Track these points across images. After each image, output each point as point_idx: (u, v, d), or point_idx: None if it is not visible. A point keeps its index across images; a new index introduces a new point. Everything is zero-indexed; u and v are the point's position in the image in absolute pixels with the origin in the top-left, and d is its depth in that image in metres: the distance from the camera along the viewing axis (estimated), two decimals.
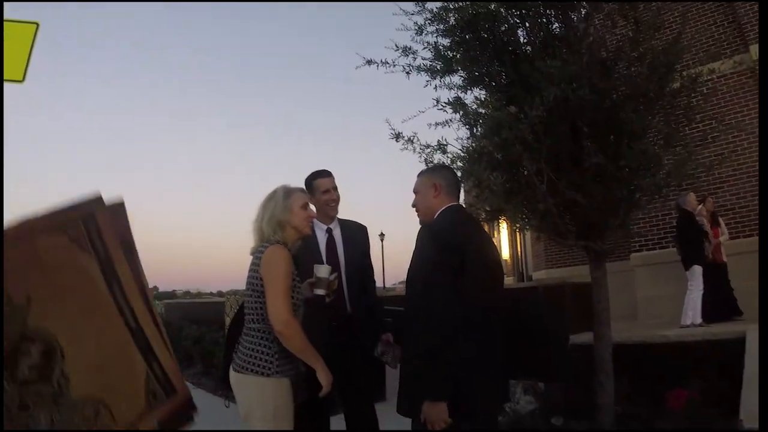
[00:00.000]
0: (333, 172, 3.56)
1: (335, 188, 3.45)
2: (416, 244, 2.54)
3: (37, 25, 3.76)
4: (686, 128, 4.24)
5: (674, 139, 3.92)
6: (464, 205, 2.91)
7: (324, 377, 2.54)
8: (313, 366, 2.54)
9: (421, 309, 2.37)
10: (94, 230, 0.52)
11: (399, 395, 2.62)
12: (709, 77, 4.71)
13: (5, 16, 3.81)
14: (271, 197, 2.81)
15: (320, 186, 3.42)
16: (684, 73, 4.07)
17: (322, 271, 2.93)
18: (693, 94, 4.14)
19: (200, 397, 7.25)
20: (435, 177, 2.72)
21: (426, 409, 2.28)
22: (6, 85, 3.73)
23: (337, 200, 3.46)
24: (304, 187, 3.50)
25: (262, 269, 2.59)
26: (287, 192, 2.82)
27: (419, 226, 2.64)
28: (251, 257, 2.75)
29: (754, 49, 7.15)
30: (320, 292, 2.91)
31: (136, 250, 0.53)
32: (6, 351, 0.44)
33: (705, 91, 4.38)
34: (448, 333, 2.27)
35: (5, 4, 3.97)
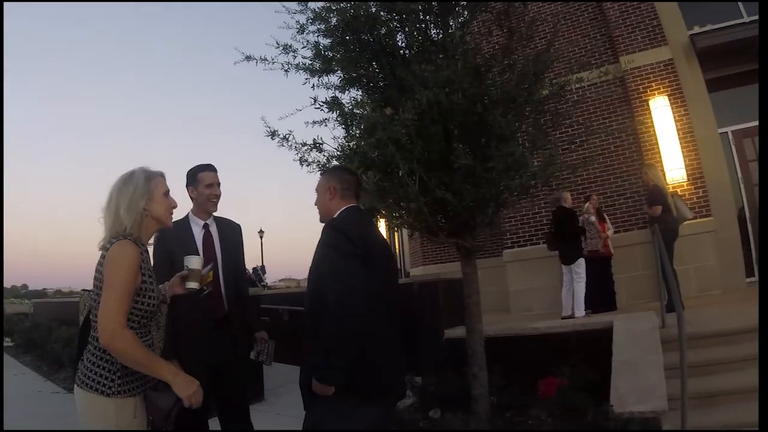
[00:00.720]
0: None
1: (219, 184, 3.42)
2: (320, 240, 2.59)
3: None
4: (554, 132, 4.51)
5: (541, 143, 4.17)
6: None
7: (181, 388, 2.26)
8: (162, 378, 2.25)
9: (332, 295, 2.40)
10: None
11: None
12: (578, 85, 5.04)
13: None
14: (128, 181, 2.44)
15: (204, 179, 3.36)
16: (553, 81, 4.35)
17: (194, 262, 2.70)
18: (561, 101, 4.43)
19: (70, 402, 6.88)
20: (332, 180, 2.79)
21: (317, 388, 2.40)
22: None
23: (218, 196, 3.42)
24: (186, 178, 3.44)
25: (105, 268, 2.30)
26: (148, 176, 2.49)
27: (299, 223, 2.67)
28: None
29: (624, 60, 7.80)
30: (193, 285, 2.69)
31: None
32: None
33: (574, 98, 4.70)
34: (361, 314, 2.35)
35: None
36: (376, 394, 2.50)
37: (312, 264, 2.68)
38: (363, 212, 2.91)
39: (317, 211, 2.88)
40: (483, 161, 3.72)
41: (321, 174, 2.96)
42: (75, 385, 2.34)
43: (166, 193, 2.54)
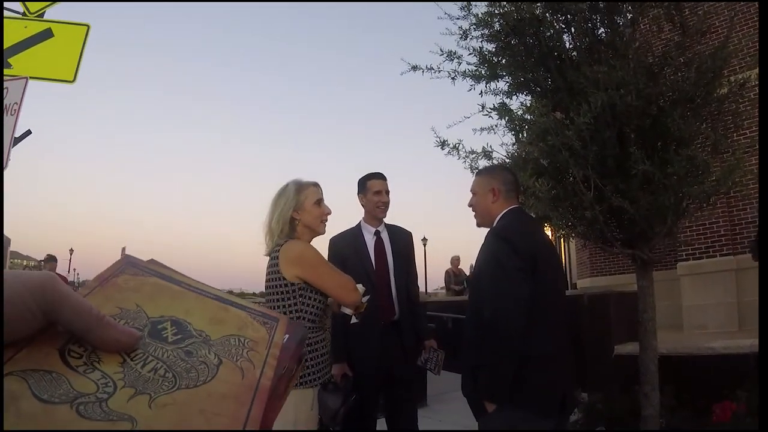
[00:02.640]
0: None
1: (387, 191, 3.53)
2: (483, 247, 2.58)
3: (88, 27, 3.95)
4: (734, 134, 4.24)
5: (722, 146, 3.92)
6: None
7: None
8: None
9: (489, 313, 2.40)
10: (141, 266, 0.59)
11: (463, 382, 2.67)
12: (757, 83, 4.69)
13: (56, 18, 4.01)
14: (281, 193, 2.70)
15: (373, 187, 3.50)
16: (732, 79, 4.08)
17: None
18: (741, 100, 4.15)
19: None
20: (494, 181, 2.75)
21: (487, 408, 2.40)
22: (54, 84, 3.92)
23: (387, 203, 3.53)
24: (357, 186, 3.60)
25: (295, 268, 2.55)
26: (299, 187, 2.71)
27: (463, 231, 2.68)
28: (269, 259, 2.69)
29: None
30: (347, 311, 2.81)
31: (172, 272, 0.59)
32: (148, 332, 0.54)
33: (753, 97, 4.39)
34: (517, 336, 2.33)
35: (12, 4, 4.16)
36: (546, 409, 2.46)
37: (474, 271, 2.67)
38: (528, 215, 2.84)
39: (475, 213, 2.85)
40: (661, 167, 3.55)
41: (477, 174, 2.91)
42: None
43: (318, 201, 2.72)
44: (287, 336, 0.70)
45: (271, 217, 2.65)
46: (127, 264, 0.66)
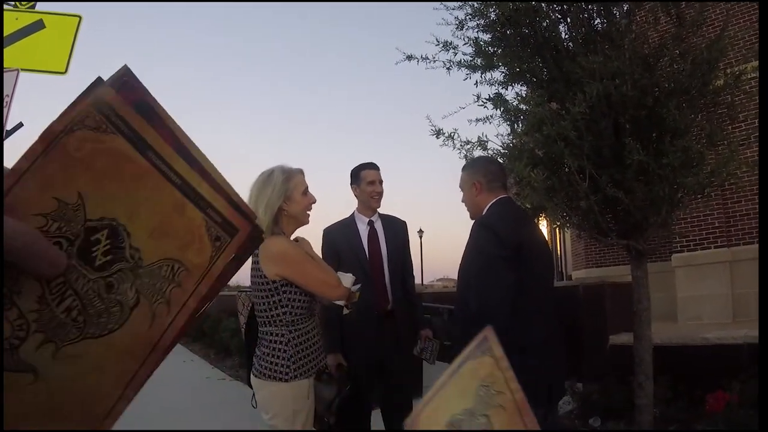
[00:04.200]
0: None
1: (381, 181, 3.53)
2: (469, 238, 2.58)
3: (80, 18, 3.90)
4: (729, 126, 4.23)
5: (717, 138, 3.91)
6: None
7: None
8: None
9: (475, 304, 2.41)
10: (108, 111, 0.57)
11: None
12: (753, 75, 4.68)
13: (47, 9, 3.96)
14: (267, 181, 2.56)
15: (366, 177, 3.49)
16: (728, 71, 4.06)
17: (346, 280, 2.76)
18: (736, 92, 4.13)
19: (235, 388, 7.45)
20: (475, 175, 2.76)
21: None
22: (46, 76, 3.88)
23: (381, 193, 3.53)
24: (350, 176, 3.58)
25: (275, 267, 2.50)
26: (288, 175, 2.59)
27: (456, 223, 2.67)
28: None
29: None
30: (339, 302, 2.79)
31: (159, 110, 0.57)
32: (79, 246, 0.53)
33: (748, 90, 4.37)
34: (503, 326, 2.34)
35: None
36: (534, 399, 2.45)
37: (462, 261, 2.67)
38: (514, 205, 2.82)
39: (467, 208, 2.85)
40: (656, 157, 3.53)
41: (461, 170, 2.90)
42: (252, 376, 2.59)
43: (305, 191, 2.63)
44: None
45: (255, 205, 2.48)
46: (96, 104, 0.59)
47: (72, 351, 0.49)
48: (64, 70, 3.80)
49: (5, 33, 3.77)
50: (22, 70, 3.67)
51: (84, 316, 0.52)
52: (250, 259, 2.57)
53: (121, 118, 0.54)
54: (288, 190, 2.56)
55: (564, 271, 14.85)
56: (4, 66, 3.65)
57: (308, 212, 2.68)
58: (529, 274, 2.45)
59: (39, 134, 0.53)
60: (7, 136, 3.48)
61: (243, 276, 2.51)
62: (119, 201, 0.56)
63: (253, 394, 2.63)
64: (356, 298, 2.81)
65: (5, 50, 3.75)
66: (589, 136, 3.51)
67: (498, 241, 2.42)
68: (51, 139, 0.52)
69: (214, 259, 0.61)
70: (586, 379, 4.91)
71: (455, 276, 3.19)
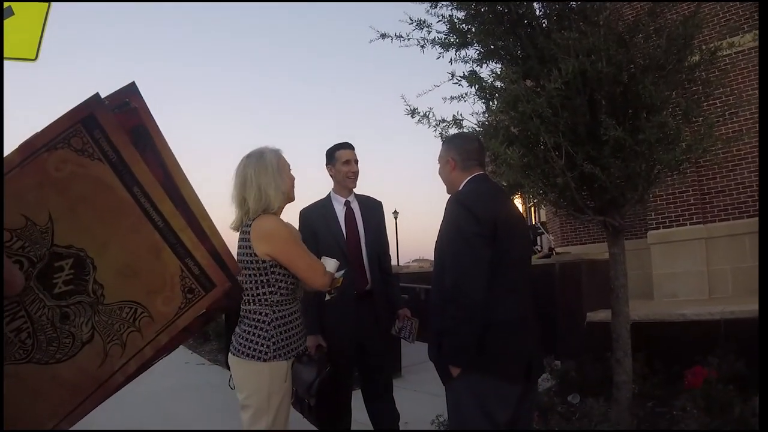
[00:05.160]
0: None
1: (356, 161, 3.49)
2: (444, 215, 2.55)
3: (49, 4, 3.80)
4: (705, 103, 4.22)
5: (693, 113, 3.90)
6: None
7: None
8: None
9: (451, 279, 2.40)
10: (99, 134, 0.51)
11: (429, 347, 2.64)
12: (728, 51, 4.68)
13: None
14: (262, 161, 2.56)
15: (341, 157, 3.45)
16: (703, 47, 4.05)
17: (330, 265, 2.73)
18: (711, 68, 4.12)
19: (215, 372, 7.49)
20: (450, 151, 2.74)
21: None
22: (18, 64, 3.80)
23: (356, 173, 3.49)
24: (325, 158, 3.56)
25: (266, 246, 2.47)
26: (276, 154, 2.63)
27: (431, 204, 2.64)
28: (237, 232, 2.58)
29: None
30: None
31: (157, 139, 0.51)
32: (40, 269, 0.47)
33: (723, 66, 4.36)
34: (478, 302, 2.32)
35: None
36: (511, 374, 2.45)
37: (437, 238, 2.65)
38: (491, 182, 2.80)
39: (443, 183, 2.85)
40: (632, 133, 3.52)
41: (442, 143, 2.88)
42: (230, 354, 2.55)
43: (289, 168, 2.69)
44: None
45: (259, 185, 2.50)
46: (85, 123, 0.50)
47: (13, 371, 0.43)
48: (34, 57, 3.70)
49: None
50: None
51: (33, 339, 0.46)
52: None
53: (112, 145, 0.46)
54: (282, 169, 2.60)
55: (540, 248, 15.03)
56: None
57: (294, 188, 2.70)
58: (504, 251, 2.44)
59: (18, 144, 0.44)
60: None
61: None
62: (92, 231, 0.48)
63: (231, 375, 2.59)
64: (339, 284, 2.79)
65: None
66: (565, 113, 3.48)
67: (473, 219, 2.40)
68: (30, 152, 0.44)
69: (183, 311, 0.54)
70: (564, 356, 4.94)
71: (431, 257, 3.17)
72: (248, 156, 2.60)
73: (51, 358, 0.47)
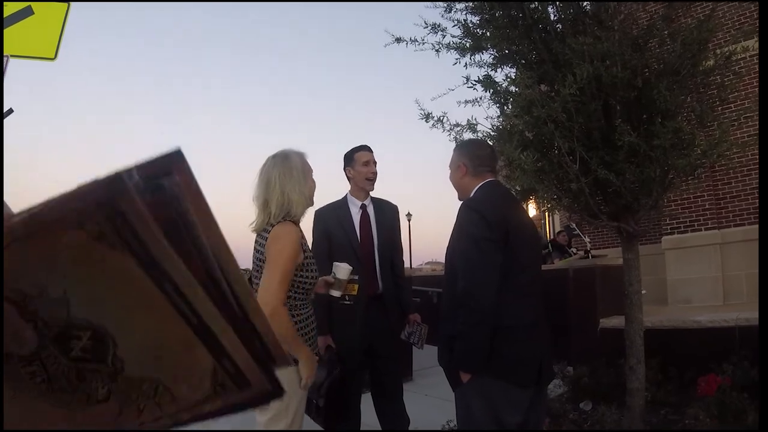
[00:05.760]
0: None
1: (375, 163, 3.50)
2: (456, 220, 2.56)
3: (68, 4, 3.85)
4: (719, 107, 4.19)
5: (708, 118, 3.89)
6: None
7: (306, 370, 2.40)
8: (296, 356, 2.37)
9: (462, 284, 2.40)
10: (121, 222, 0.45)
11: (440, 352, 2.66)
12: (742, 55, 4.65)
13: None
14: (287, 164, 2.51)
15: (360, 158, 3.46)
16: (717, 51, 4.03)
17: (342, 271, 2.73)
18: (726, 73, 4.09)
19: None
20: (462, 157, 2.74)
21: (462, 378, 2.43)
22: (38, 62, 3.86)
23: (376, 174, 3.50)
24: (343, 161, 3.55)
25: (269, 247, 2.44)
26: (302, 157, 2.58)
27: (445, 207, 2.63)
28: (255, 234, 2.57)
29: None
30: (335, 293, 2.75)
31: (205, 221, 0.44)
32: (56, 333, 0.44)
33: (738, 70, 4.33)
34: (488, 307, 2.33)
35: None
36: (521, 379, 2.44)
37: (449, 244, 2.66)
38: (503, 188, 2.81)
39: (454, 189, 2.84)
40: (647, 139, 3.50)
41: (453, 149, 2.87)
42: None
43: (312, 172, 2.61)
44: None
45: (283, 188, 2.46)
46: (103, 209, 0.37)
47: (28, 403, 0.42)
48: (53, 56, 3.78)
49: None
50: (11, 56, 3.65)
51: (47, 386, 0.44)
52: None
53: (138, 237, 0.36)
54: (307, 173, 2.55)
55: (576, 251, 14.72)
56: None
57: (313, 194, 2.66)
58: (515, 257, 2.44)
59: (19, 215, 0.35)
60: None
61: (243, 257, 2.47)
62: (112, 315, 0.43)
63: None
64: (355, 291, 2.78)
65: None
66: (579, 118, 3.48)
67: (485, 224, 2.41)
68: (36, 229, 0.37)
69: (209, 399, 0.49)
70: (576, 362, 4.90)
71: (443, 259, 3.16)
72: (273, 157, 2.57)
73: (65, 405, 0.46)
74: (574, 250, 10.08)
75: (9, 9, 3.80)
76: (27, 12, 3.85)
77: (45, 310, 0.43)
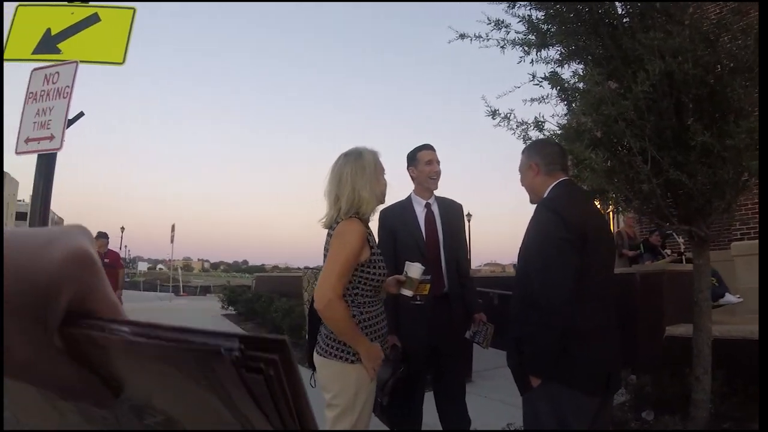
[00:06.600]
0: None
1: (438, 161, 3.46)
2: (531, 219, 2.51)
3: (134, 10, 3.93)
4: None
5: None
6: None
7: (367, 361, 2.41)
8: (355, 348, 2.41)
9: (536, 285, 2.35)
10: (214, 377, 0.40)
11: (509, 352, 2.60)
12: None
13: (101, 3, 4.00)
14: (360, 162, 2.54)
15: (423, 157, 3.43)
16: None
17: (414, 270, 2.69)
18: None
19: None
20: (533, 157, 2.68)
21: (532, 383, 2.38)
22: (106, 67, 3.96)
23: (438, 173, 3.46)
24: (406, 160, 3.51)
25: (332, 242, 2.47)
26: (376, 157, 2.60)
27: (505, 207, 2.55)
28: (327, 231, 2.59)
29: None
30: (407, 292, 2.71)
31: (298, 400, 0.37)
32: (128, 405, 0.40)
33: None
34: (563, 310, 2.27)
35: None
36: (592, 386, 2.37)
37: (522, 245, 2.59)
38: (578, 188, 2.74)
39: (526, 192, 2.76)
40: (720, 139, 3.37)
41: (521, 153, 2.80)
42: (316, 354, 2.55)
43: (384, 171, 2.62)
44: None
45: (354, 186, 2.48)
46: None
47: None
48: (121, 61, 3.88)
49: (61, 27, 3.90)
50: (80, 62, 3.77)
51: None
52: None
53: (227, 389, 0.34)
54: (379, 170, 2.57)
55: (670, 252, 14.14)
56: (64, 59, 3.81)
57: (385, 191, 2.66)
58: (592, 259, 2.37)
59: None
60: (69, 125, 3.64)
61: (308, 257, 2.42)
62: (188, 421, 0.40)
63: (312, 374, 2.60)
64: (426, 291, 2.74)
65: (64, 44, 3.89)
66: (651, 116, 3.38)
67: (563, 225, 2.34)
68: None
69: None
70: (640, 370, 4.72)
71: (503, 261, 3.09)
72: (346, 154, 2.59)
73: None
74: (668, 251, 9.42)
75: (76, 16, 3.96)
76: (94, 19, 3.96)
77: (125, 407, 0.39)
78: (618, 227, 13.03)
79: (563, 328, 2.28)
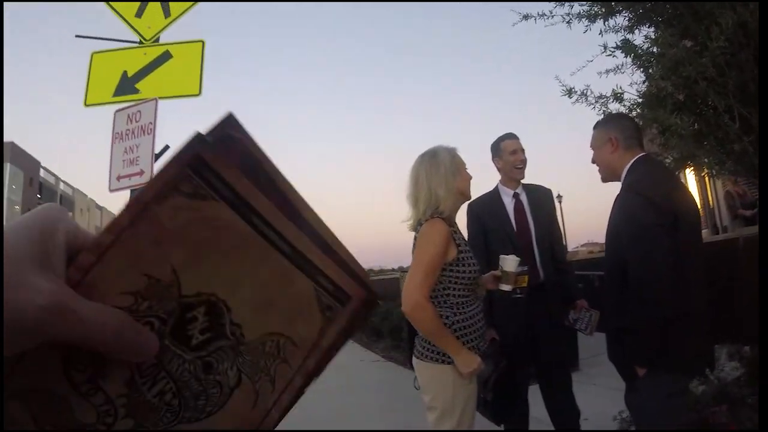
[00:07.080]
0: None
1: (522, 150, 3.43)
2: (618, 204, 2.46)
3: (203, 42, 4.15)
4: None
5: None
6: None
7: (461, 365, 2.39)
8: (445, 350, 2.41)
9: (633, 275, 2.28)
10: (208, 173, 0.49)
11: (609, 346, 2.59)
12: None
13: (171, 40, 4.23)
14: (435, 161, 2.56)
15: (508, 147, 3.41)
16: None
17: (509, 264, 2.67)
18: None
19: (390, 369, 7.64)
20: (610, 131, 2.59)
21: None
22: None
23: (525, 162, 3.43)
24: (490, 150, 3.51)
25: (417, 244, 2.50)
26: (452, 153, 2.60)
27: (596, 184, 2.49)
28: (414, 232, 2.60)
29: None
30: (505, 287, 2.71)
31: (267, 165, 0.48)
32: (172, 325, 0.45)
33: None
34: (666, 296, 2.21)
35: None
36: (696, 371, 2.41)
37: (608, 230, 2.51)
38: (659, 164, 2.65)
39: (598, 169, 2.69)
40: None
41: (593, 128, 2.72)
42: (414, 358, 2.57)
43: (465, 166, 2.62)
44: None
45: (429, 186, 2.52)
46: (192, 166, 0.46)
47: None
48: (197, 92, 4.06)
49: (137, 68, 4.12)
50: (159, 98, 3.96)
51: (179, 399, 0.45)
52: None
53: (224, 182, 0.43)
54: (457, 167, 2.57)
55: (719, 223, 13.25)
56: (143, 98, 4.02)
57: (470, 186, 2.65)
58: (685, 240, 2.29)
59: (124, 202, 0.43)
60: (156, 159, 3.82)
61: (402, 257, 2.48)
62: (218, 273, 0.46)
63: (416, 377, 2.61)
64: (525, 283, 2.74)
65: (141, 83, 4.10)
66: (732, 71, 3.22)
67: (653, 208, 2.27)
68: (139, 209, 0.42)
69: (324, 331, 0.51)
70: (752, 341, 4.43)
71: (601, 240, 3.02)
72: (422, 155, 2.62)
73: (201, 413, 0.47)
74: None
75: (149, 56, 4.17)
76: (166, 56, 4.18)
77: (157, 302, 0.45)
78: (713, 192, 12.14)
79: (664, 317, 2.23)
